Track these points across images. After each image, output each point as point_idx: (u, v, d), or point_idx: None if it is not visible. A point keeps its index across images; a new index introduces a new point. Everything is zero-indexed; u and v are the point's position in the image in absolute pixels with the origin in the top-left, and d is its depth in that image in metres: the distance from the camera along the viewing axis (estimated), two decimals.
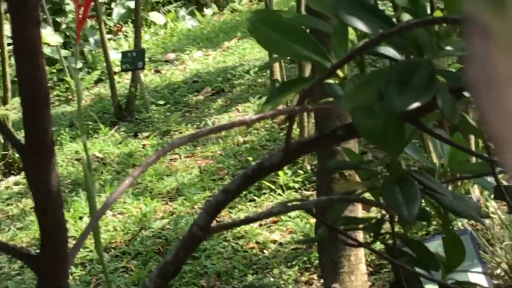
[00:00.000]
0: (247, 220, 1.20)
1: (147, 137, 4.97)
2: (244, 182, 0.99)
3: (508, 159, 0.25)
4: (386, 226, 1.14)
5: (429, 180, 1.06)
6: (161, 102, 5.63)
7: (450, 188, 1.18)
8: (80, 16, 1.66)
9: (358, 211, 2.30)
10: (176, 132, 4.97)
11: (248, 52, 6.34)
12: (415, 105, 0.71)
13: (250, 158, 4.15)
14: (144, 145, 4.83)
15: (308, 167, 3.82)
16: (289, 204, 1.04)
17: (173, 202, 3.97)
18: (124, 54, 5.42)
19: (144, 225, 3.72)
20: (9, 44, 6.23)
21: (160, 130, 5.05)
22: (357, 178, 1.26)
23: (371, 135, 0.81)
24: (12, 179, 4.59)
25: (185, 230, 3.57)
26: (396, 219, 1.09)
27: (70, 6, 7.13)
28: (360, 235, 2.00)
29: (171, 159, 4.54)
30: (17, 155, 4.69)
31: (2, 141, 4.59)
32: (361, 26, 0.75)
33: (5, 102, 4.57)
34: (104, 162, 4.66)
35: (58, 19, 6.93)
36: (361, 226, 1.25)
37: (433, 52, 0.80)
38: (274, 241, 3.41)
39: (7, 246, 0.65)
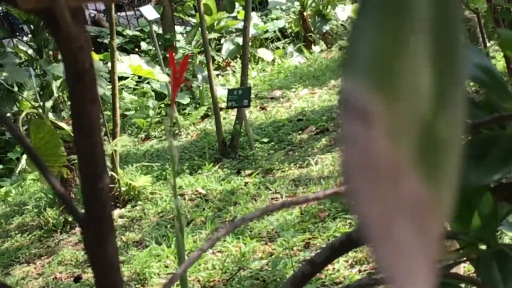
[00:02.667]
0: None
1: (250, 174, 4.97)
2: (331, 254, 0.95)
3: (381, 255, 0.21)
4: None
5: None
6: (265, 140, 5.64)
7: None
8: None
9: (461, 268, 2.19)
10: (278, 171, 4.95)
11: None
12: (492, 179, 0.66)
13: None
14: (246, 183, 4.83)
15: None
16: (377, 276, 0.98)
17: (272, 242, 3.93)
18: (230, 91, 5.47)
19: (243, 265, 3.70)
20: (120, 78, 6.44)
21: (263, 168, 5.04)
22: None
23: (460, 219, 0.75)
24: (117, 212, 4.69)
25: (283, 272, 3.52)
26: None
27: (180, 43, 7.30)
28: None
29: (272, 198, 4.52)
30: (123, 188, 4.80)
31: (109, 173, 4.71)
32: None
33: (114, 137, 4.70)
34: (206, 199, 4.69)
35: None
36: None
37: None
38: None
39: None
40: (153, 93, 7.19)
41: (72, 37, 0.48)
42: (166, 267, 3.79)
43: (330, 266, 3.54)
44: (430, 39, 0.21)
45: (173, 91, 1.54)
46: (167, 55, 7.10)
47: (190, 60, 7.56)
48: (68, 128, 4.81)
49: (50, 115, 5.52)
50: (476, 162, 0.69)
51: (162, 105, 6.83)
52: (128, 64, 5.32)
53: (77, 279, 3.80)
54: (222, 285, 3.56)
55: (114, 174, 4.68)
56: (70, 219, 4.54)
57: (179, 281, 1.63)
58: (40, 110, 4.90)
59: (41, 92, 6.02)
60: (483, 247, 1.11)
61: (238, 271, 3.66)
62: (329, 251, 0.94)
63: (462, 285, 1.16)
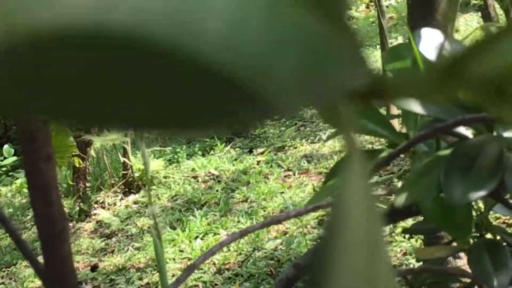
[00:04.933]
0: None
1: (262, 153, 4.97)
2: None
3: None
4: None
5: None
6: (276, 116, 5.62)
7: None
8: None
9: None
10: (290, 148, 4.95)
11: None
12: (479, 195, 0.63)
13: None
14: (258, 162, 4.83)
15: None
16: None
17: (286, 221, 3.94)
18: None
19: (257, 246, 3.71)
20: None
21: (274, 145, 5.04)
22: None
23: (435, 218, 0.74)
24: (131, 197, 4.72)
25: (296, 251, 3.53)
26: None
27: None
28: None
29: (285, 176, 4.52)
30: (136, 174, 4.82)
31: (122, 160, 4.73)
32: (419, 110, 0.69)
33: None
34: (219, 180, 4.70)
35: None
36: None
37: (505, 125, 0.71)
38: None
39: None
40: None
41: None
42: (181, 251, 3.81)
43: None
44: None
45: None
46: None
47: None
48: None
49: None
50: (462, 174, 0.66)
51: None
52: None
53: (94, 268, 3.84)
54: (238, 267, 3.58)
55: (126, 160, 4.70)
56: (85, 208, 4.57)
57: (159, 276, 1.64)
58: None
59: None
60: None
61: (252, 252, 3.67)
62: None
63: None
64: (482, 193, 0.64)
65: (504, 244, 0.98)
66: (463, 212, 0.71)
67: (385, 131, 0.81)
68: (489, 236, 1.03)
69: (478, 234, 1.05)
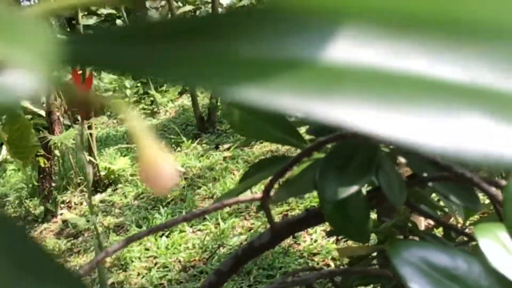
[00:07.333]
0: None
1: (228, 149, 4.99)
2: (235, 263, 0.97)
3: None
4: None
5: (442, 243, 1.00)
6: None
7: None
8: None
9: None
10: (256, 143, 4.97)
11: None
12: (351, 191, 0.65)
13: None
14: (225, 158, 4.85)
15: None
16: (289, 279, 1.00)
17: (251, 217, 3.96)
18: None
19: (222, 242, 3.73)
20: None
21: (240, 141, 5.05)
22: None
23: (335, 223, 0.76)
24: (98, 196, 4.71)
25: None
26: None
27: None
28: None
29: None
30: (103, 173, 4.81)
31: (88, 159, 4.71)
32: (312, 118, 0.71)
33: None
34: (185, 177, 4.70)
35: None
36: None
37: None
38: (351, 257, 3.34)
39: None
40: None
41: None
42: (147, 249, 3.82)
43: (307, 237, 3.58)
44: None
45: (82, 115, 1.54)
46: None
47: None
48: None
49: (27, 102, 5.50)
50: (336, 173, 0.68)
51: (139, 84, 6.81)
52: None
53: None
54: (203, 264, 3.59)
55: (91, 159, 4.68)
56: (51, 208, 4.55)
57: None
58: None
59: None
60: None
61: (217, 248, 3.69)
62: (233, 261, 0.96)
63: None
64: (352, 189, 0.66)
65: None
66: (360, 216, 0.73)
67: (293, 138, 0.83)
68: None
69: (402, 236, 1.07)
